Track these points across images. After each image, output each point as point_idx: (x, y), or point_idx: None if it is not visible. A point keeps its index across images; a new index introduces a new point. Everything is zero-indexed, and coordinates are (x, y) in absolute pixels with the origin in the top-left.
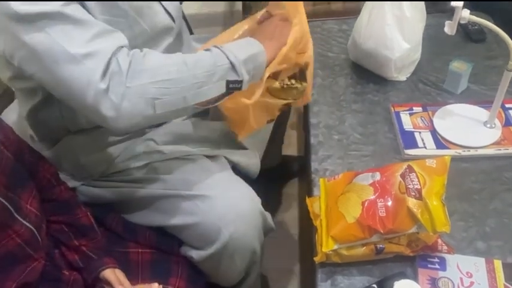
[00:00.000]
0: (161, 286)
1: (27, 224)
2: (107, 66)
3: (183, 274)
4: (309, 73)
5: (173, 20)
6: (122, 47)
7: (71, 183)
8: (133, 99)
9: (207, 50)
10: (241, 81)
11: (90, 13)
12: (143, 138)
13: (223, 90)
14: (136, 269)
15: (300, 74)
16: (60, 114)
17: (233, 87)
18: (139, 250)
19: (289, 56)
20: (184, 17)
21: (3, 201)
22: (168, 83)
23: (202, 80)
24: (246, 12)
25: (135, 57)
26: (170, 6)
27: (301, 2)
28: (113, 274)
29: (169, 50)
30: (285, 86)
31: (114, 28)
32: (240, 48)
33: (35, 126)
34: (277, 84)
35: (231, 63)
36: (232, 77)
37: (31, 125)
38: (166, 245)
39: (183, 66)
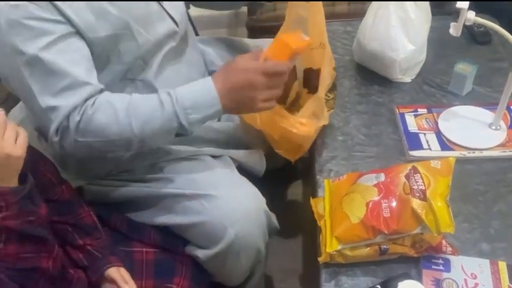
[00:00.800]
0: None
1: None
2: (61, 122)
3: (187, 273)
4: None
5: (176, 25)
6: (79, 105)
7: (77, 182)
8: (83, 150)
9: (161, 102)
10: (190, 133)
11: (93, 32)
12: None
13: (171, 138)
14: (141, 268)
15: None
16: None
17: (180, 134)
18: (144, 249)
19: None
20: (190, 19)
21: None
22: (112, 142)
23: (148, 137)
24: (251, 13)
25: (84, 115)
26: (173, 11)
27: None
28: (117, 272)
29: (172, 53)
30: (325, 99)
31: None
32: (198, 108)
33: (39, 130)
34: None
35: (180, 124)
36: (181, 131)
37: (36, 129)
38: (170, 245)
39: (128, 128)
